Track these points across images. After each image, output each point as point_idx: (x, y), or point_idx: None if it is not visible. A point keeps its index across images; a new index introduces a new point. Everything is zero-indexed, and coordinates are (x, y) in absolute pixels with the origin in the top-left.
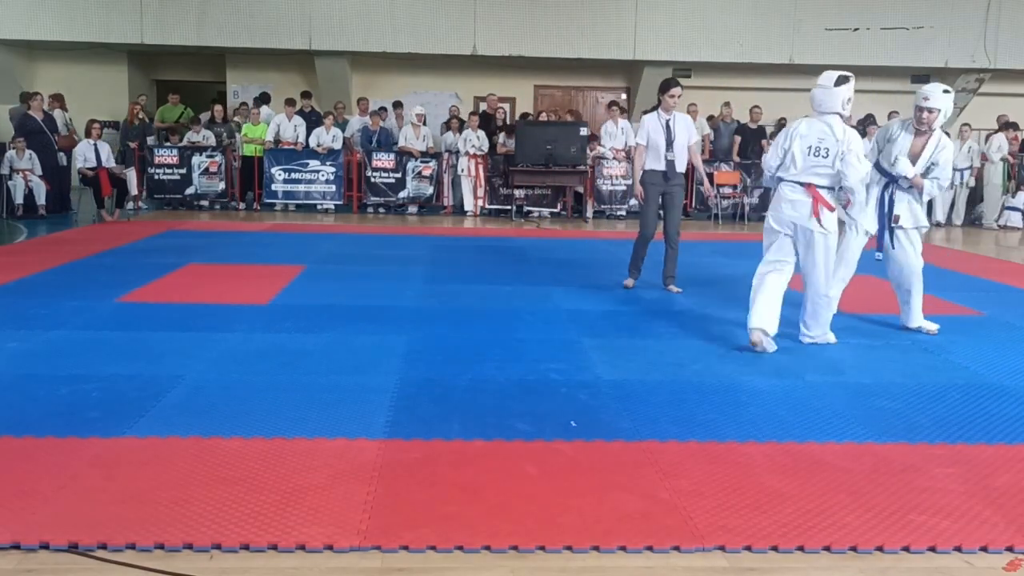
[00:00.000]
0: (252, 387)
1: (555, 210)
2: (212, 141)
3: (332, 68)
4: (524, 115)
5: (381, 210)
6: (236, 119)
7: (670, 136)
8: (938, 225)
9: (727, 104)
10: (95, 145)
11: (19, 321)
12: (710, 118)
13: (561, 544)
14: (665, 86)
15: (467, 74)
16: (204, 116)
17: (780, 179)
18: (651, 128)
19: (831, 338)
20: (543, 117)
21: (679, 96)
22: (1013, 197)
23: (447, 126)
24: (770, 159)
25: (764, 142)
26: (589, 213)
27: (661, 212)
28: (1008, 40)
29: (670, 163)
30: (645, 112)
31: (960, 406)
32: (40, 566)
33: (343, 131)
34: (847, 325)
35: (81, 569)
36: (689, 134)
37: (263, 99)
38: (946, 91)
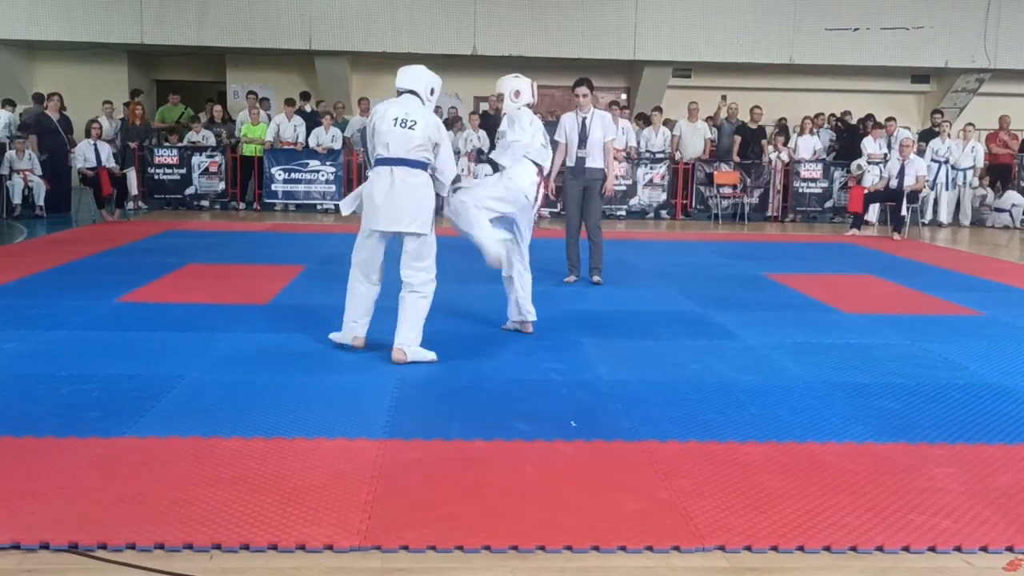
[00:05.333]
0: (252, 387)
1: (555, 210)
2: (212, 141)
3: (332, 68)
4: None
5: None
6: (238, 113)
7: (584, 133)
8: (940, 225)
9: (725, 97)
10: (95, 145)
11: (19, 321)
12: (707, 118)
13: (561, 544)
14: (574, 85)
15: (467, 74)
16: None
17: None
18: (567, 126)
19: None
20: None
21: (584, 95)
22: (998, 198)
23: (447, 126)
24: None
25: (764, 142)
26: None
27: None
28: (1008, 40)
29: (580, 160)
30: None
31: (960, 406)
32: (40, 566)
33: (343, 131)
34: (848, 325)
35: (81, 569)
36: (605, 131)
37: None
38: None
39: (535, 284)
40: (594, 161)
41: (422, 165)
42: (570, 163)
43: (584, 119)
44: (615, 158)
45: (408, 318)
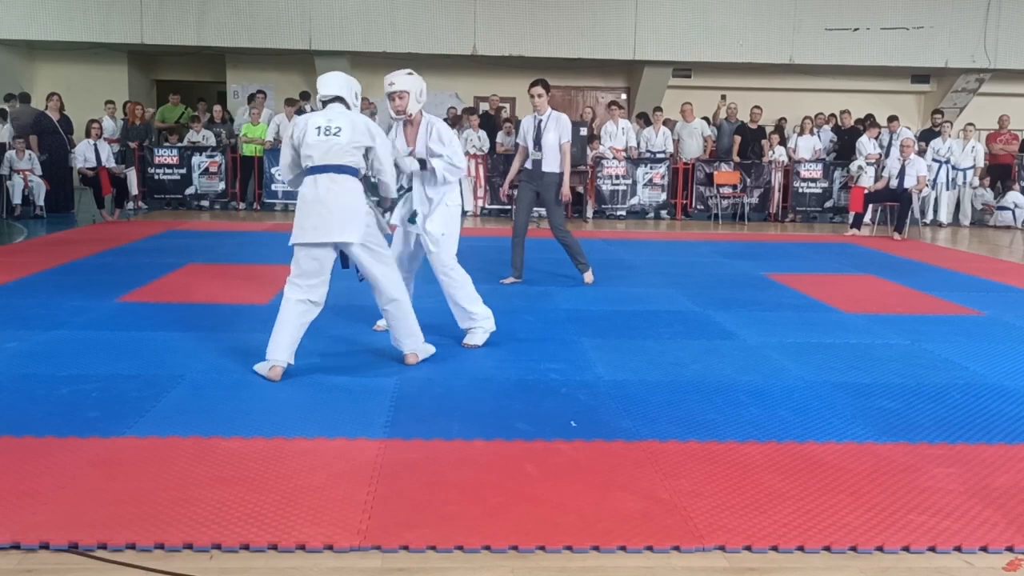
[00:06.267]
0: (252, 387)
1: None
2: (212, 141)
3: (332, 68)
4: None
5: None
6: (237, 113)
7: (538, 135)
8: (940, 225)
9: (724, 97)
10: (95, 145)
11: (19, 321)
12: (703, 118)
13: (561, 544)
14: (529, 86)
15: (467, 74)
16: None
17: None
18: (525, 128)
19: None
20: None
21: (539, 96)
22: (1000, 199)
23: (449, 125)
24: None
25: (764, 142)
26: (589, 213)
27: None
28: (1008, 40)
29: (536, 162)
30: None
31: (960, 406)
32: (40, 566)
33: None
34: (848, 325)
35: (81, 569)
36: (560, 134)
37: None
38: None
39: (533, 286)
40: (549, 164)
41: (350, 170)
42: (528, 165)
43: (540, 121)
44: (615, 157)
45: (405, 323)
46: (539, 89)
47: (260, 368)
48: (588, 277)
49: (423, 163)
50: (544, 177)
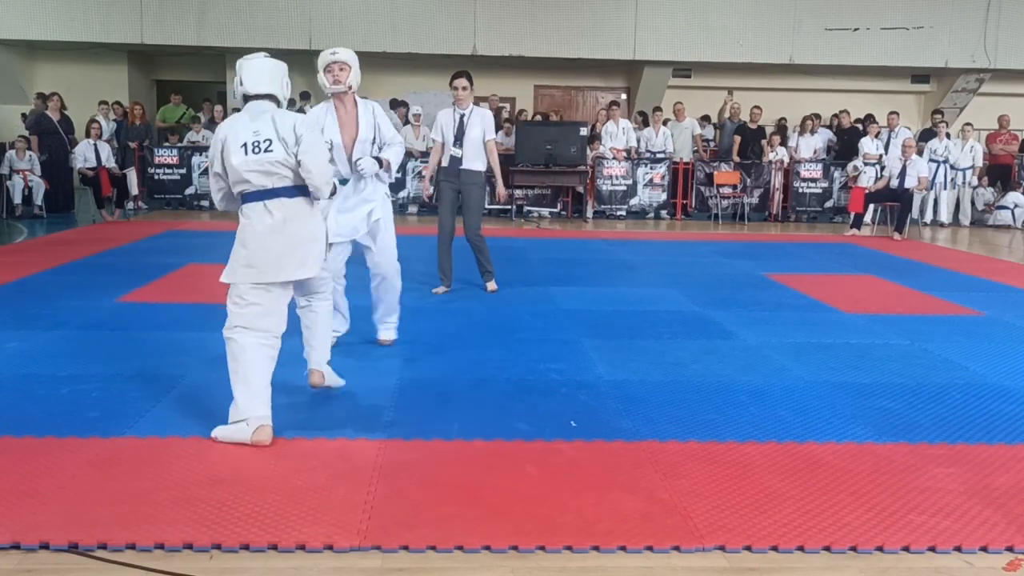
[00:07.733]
0: None
1: (555, 210)
2: None
3: None
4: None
5: None
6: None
7: (460, 131)
8: (941, 225)
9: (731, 93)
10: (95, 145)
11: (19, 321)
12: (704, 117)
13: (561, 544)
14: (452, 78)
15: None
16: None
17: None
18: (443, 123)
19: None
20: (537, 118)
21: (463, 88)
22: (1000, 199)
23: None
24: None
25: (764, 142)
26: (589, 213)
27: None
28: (1008, 40)
29: (455, 159)
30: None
31: (960, 406)
32: (40, 566)
33: None
34: (848, 325)
35: (81, 569)
36: (485, 130)
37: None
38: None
39: (533, 286)
40: (471, 162)
41: (300, 191)
42: (444, 163)
43: (462, 116)
44: (615, 157)
45: (323, 333)
46: (464, 82)
47: (234, 433)
48: (491, 286)
49: (380, 161)
50: (463, 175)
